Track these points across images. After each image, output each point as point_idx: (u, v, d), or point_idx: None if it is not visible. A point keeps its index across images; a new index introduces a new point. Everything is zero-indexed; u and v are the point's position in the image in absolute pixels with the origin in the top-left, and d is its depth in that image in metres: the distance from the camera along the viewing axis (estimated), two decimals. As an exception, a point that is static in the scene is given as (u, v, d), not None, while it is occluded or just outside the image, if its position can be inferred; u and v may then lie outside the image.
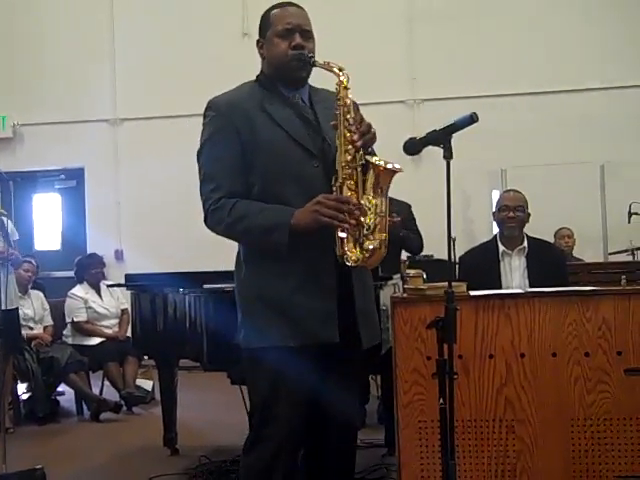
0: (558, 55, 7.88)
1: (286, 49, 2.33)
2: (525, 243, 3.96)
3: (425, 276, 3.25)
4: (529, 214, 4.00)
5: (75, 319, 6.05)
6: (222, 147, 2.33)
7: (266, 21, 2.40)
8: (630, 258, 6.28)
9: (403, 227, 4.87)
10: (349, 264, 2.23)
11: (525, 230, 4.01)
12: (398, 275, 4.03)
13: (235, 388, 4.03)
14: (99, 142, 8.60)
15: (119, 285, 5.47)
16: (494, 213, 4.08)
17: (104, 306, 6.19)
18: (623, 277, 3.71)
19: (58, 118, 8.53)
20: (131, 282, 4.65)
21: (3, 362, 4.63)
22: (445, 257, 2.27)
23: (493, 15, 8.06)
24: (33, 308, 5.96)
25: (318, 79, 2.47)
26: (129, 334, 5.61)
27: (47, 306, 6.14)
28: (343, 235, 2.22)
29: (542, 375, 2.88)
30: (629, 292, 2.99)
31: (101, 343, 6.00)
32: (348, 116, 2.26)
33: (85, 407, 5.74)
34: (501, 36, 8.01)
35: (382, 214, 2.25)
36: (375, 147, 2.38)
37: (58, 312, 6.18)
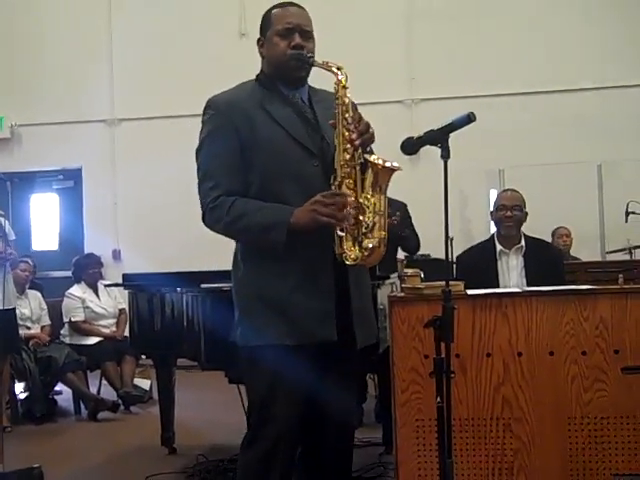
0: (557, 55, 7.88)
1: (285, 48, 2.34)
2: (522, 242, 3.97)
3: (423, 275, 3.26)
4: (526, 213, 4.00)
5: (73, 319, 6.05)
6: (221, 145, 2.33)
7: (267, 20, 2.40)
8: (627, 257, 6.29)
9: (405, 227, 4.89)
10: (348, 263, 2.24)
11: (523, 229, 4.01)
12: (396, 274, 4.03)
13: (232, 387, 4.03)
14: (97, 142, 8.60)
15: (117, 285, 5.47)
16: (492, 212, 4.09)
17: (102, 306, 6.19)
18: (620, 276, 3.72)
19: (56, 118, 8.54)
20: (128, 282, 4.66)
21: (1, 362, 4.64)
22: (443, 256, 2.27)
23: (492, 15, 8.06)
24: (30, 308, 5.96)
25: (317, 79, 2.47)
26: (127, 334, 5.59)
27: (45, 306, 6.14)
28: (342, 234, 2.22)
29: (539, 374, 2.88)
30: (626, 291, 2.99)
31: (99, 343, 6.00)
32: (347, 115, 2.27)
33: (83, 406, 5.74)
34: (500, 36, 8.02)
35: (381, 212, 2.26)
36: (373, 147, 2.38)
37: (56, 312, 6.19)
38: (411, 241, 5.14)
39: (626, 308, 2.88)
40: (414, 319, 2.89)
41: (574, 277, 4.45)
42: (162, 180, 8.11)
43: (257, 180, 2.32)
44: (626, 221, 6.47)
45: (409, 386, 2.90)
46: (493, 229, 4.13)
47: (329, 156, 2.30)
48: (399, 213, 4.89)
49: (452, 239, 5.52)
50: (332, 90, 2.33)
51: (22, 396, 5.69)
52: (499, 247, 3.98)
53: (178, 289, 3.96)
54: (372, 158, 2.26)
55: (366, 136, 2.27)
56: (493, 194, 6.74)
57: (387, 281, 3.72)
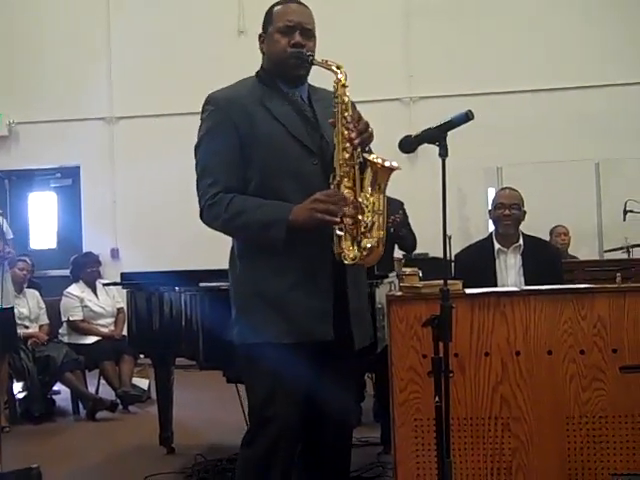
0: (557, 54, 7.88)
1: (285, 46, 2.33)
2: (521, 241, 3.97)
3: (421, 274, 3.25)
4: (525, 212, 4.00)
5: (71, 318, 6.04)
6: (220, 141, 2.33)
7: (269, 17, 2.40)
8: (625, 256, 6.29)
9: (402, 226, 4.88)
10: (346, 262, 2.24)
11: (521, 228, 4.01)
12: (394, 273, 4.03)
13: (231, 386, 4.04)
14: (95, 140, 8.60)
15: (115, 284, 5.47)
16: (490, 211, 4.09)
17: (100, 305, 6.19)
18: (618, 275, 3.71)
19: (54, 116, 8.52)
20: (127, 281, 4.65)
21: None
22: (441, 255, 2.27)
23: (491, 13, 8.07)
24: (29, 307, 5.95)
25: (317, 77, 2.47)
26: (125, 333, 5.59)
27: (43, 305, 6.13)
28: (341, 233, 2.22)
29: (537, 373, 2.88)
30: (624, 290, 2.99)
31: (97, 342, 5.99)
32: (346, 114, 2.26)
33: (81, 406, 5.74)
34: (498, 34, 8.02)
35: (380, 212, 2.26)
36: (371, 145, 2.38)
37: (54, 311, 6.18)
38: (408, 240, 5.13)
39: (624, 307, 2.88)
40: (412, 318, 2.89)
41: (572, 276, 4.45)
42: (161, 179, 8.10)
43: (256, 176, 2.31)
44: (624, 219, 6.47)
45: (407, 385, 2.89)
46: (491, 227, 4.13)
47: (328, 155, 2.30)
48: (401, 212, 4.89)
49: (450, 237, 5.53)
50: (331, 89, 2.33)
51: (20, 396, 5.68)
52: (497, 246, 3.98)
53: (177, 288, 3.95)
54: (371, 157, 2.26)
55: (365, 135, 2.27)
56: (491, 192, 6.74)
57: (385, 280, 3.71)
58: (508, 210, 3.94)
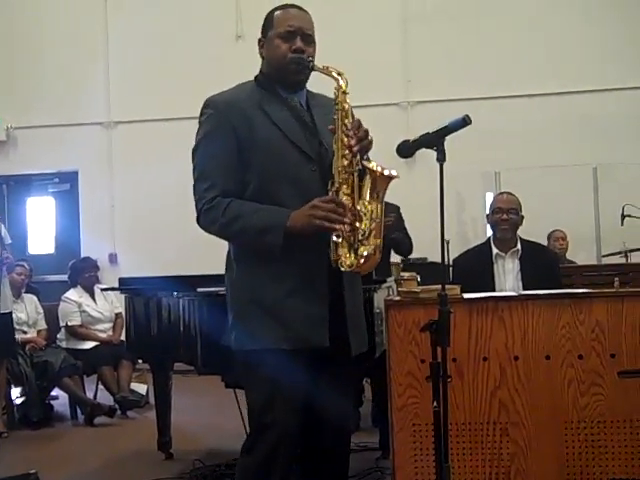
0: (557, 56, 7.89)
1: (286, 51, 2.33)
2: (518, 246, 3.97)
3: (419, 279, 3.26)
4: (522, 217, 4.00)
5: (69, 323, 6.03)
6: (218, 145, 2.32)
7: (269, 21, 2.40)
8: (623, 260, 6.29)
9: (396, 229, 4.88)
10: (343, 269, 2.23)
11: (519, 232, 4.02)
12: (392, 278, 4.03)
13: (229, 392, 4.03)
14: (93, 145, 8.60)
15: (113, 289, 5.45)
16: (488, 216, 4.09)
17: (98, 310, 6.18)
18: (616, 279, 3.70)
19: (52, 121, 8.52)
20: (125, 286, 4.64)
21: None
22: (439, 260, 2.27)
23: (490, 16, 8.07)
24: (27, 312, 5.94)
25: (316, 83, 2.47)
26: (123, 338, 5.59)
27: (41, 310, 6.12)
28: (338, 240, 2.21)
29: (536, 378, 2.89)
30: (622, 294, 3.00)
31: (95, 347, 5.98)
32: (346, 121, 2.26)
33: (79, 411, 5.73)
34: (496, 39, 8.03)
35: (377, 220, 2.25)
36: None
37: (52, 316, 6.16)
38: (403, 244, 5.13)
39: (622, 312, 2.89)
40: (410, 323, 2.89)
41: (570, 281, 4.46)
42: (159, 183, 8.10)
43: (254, 180, 2.31)
44: (622, 224, 6.48)
45: (406, 390, 2.90)
46: (489, 232, 4.13)
47: (327, 161, 2.30)
48: (394, 214, 4.88)
49: (448, 242, 5.55)
50: (329, 95, 2.33)
51: (18, 401, 5.67)
52: (495, 250, 3.98)
53: (175, 293, 3.95)
54: (370, 165, 2.25)
55: (365, 142, 2.25)
56: (489, 197, 6.74)
57: (383, 285, 3.72)
58: (506, 215, 3.94)
